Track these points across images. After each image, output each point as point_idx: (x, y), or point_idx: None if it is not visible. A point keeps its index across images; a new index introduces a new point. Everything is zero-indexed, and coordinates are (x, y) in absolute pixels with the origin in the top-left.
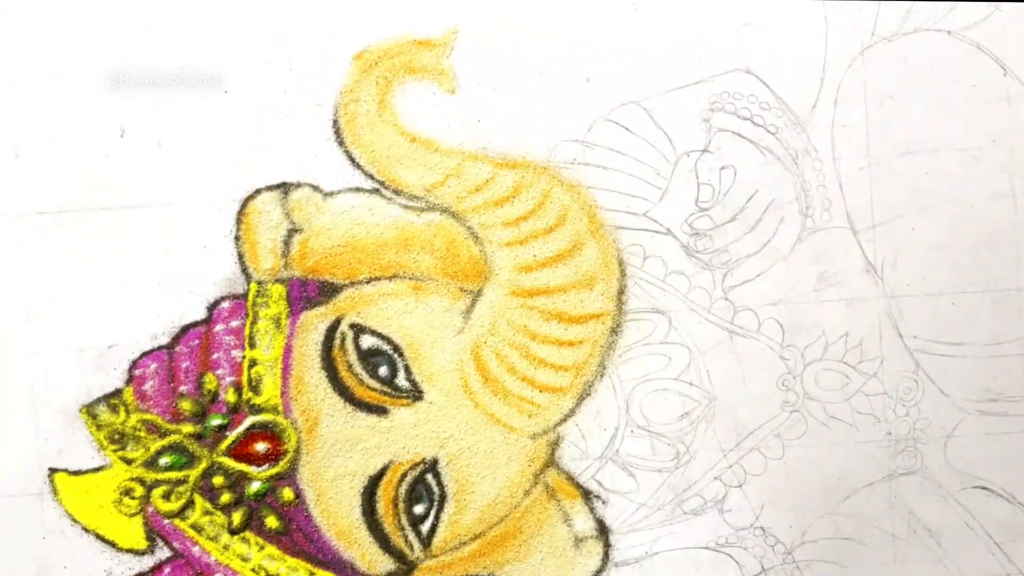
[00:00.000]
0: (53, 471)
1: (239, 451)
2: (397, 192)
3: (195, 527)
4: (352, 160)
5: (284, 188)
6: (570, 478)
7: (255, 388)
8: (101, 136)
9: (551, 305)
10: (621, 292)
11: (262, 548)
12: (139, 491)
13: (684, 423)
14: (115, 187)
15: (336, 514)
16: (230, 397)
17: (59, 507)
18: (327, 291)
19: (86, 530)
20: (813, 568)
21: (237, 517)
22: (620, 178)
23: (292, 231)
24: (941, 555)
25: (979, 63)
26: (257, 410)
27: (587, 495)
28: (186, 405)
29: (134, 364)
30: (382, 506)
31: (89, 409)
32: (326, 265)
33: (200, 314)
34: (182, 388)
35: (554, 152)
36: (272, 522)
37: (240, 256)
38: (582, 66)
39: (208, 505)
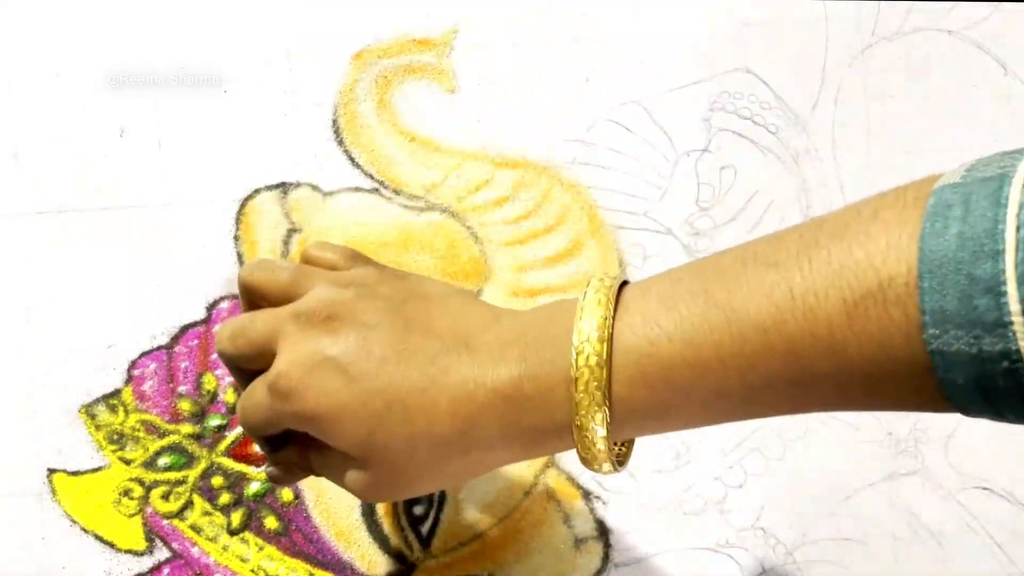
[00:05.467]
0: (52, 471)
1: (238, 451)
2: (397, 192)
3: (194, 528)
4: (352, 160)
5: (284, 188)
6: (570, 478)
7: None
8: (101, 136)
9: None
10: None
11: (261, 549)
12: (138, 491)
13: None
14: (115, 187)
15: (336, 514)
16: (229, 397)
17: (58, 507)
18: None
19: (85, 531)
20: (814, 568)
21: (236, 518)
22: (620, 178)
23: (292, 231)
24: (942, 555)
25: (979, 63)
26: None
27: (587, 495)
28: (185, 405)
29: (133, 364)
30: (381, 507)
31: (88, 409)
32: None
33: (199, 314)
34: (181, 388)
35: (554, 152)
36: (271, 523)
37: (239, 256)
38: (582, 66)
39: (207, 506)
